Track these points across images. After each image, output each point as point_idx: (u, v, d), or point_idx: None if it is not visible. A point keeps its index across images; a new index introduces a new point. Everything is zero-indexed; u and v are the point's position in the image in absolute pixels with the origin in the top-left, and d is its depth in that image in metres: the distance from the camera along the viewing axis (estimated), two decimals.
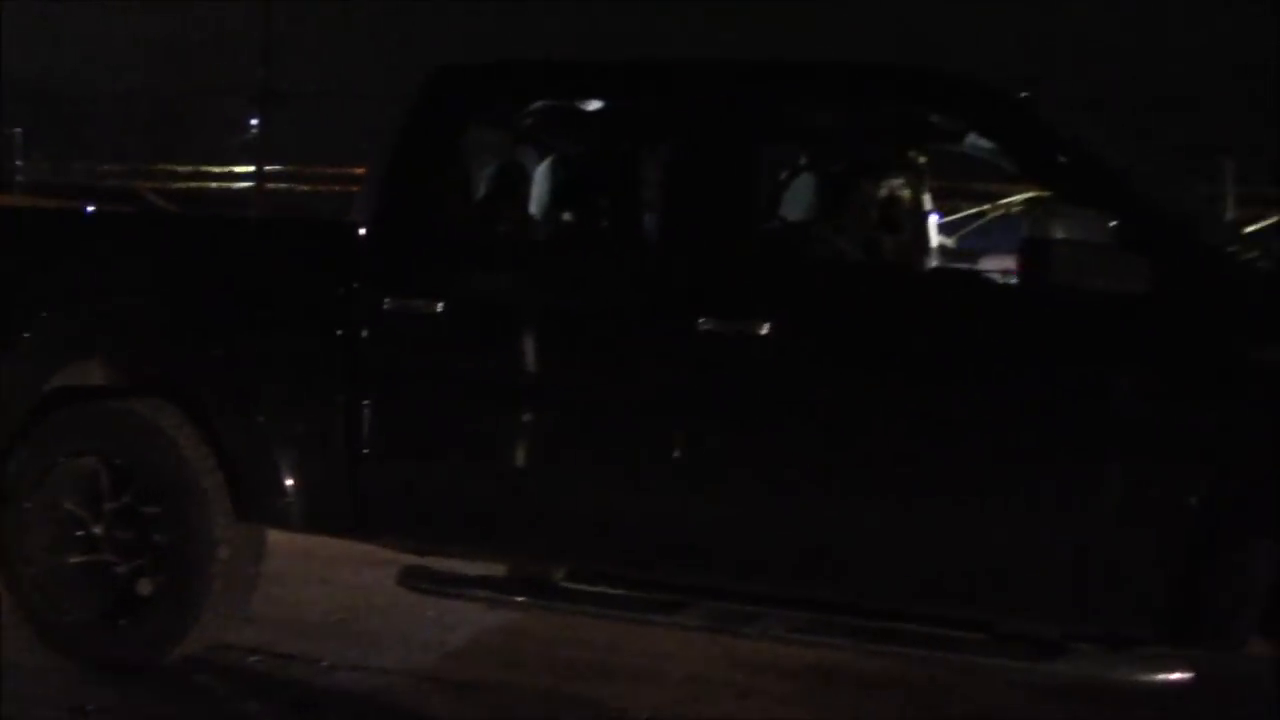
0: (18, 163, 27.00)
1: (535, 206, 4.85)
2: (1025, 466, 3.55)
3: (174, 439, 4.18)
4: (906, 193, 4.86)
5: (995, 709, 4.26)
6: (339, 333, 4.05)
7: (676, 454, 3.78)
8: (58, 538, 4.30)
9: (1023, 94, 3.91)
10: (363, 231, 4.10)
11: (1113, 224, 3.45)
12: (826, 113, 4.60)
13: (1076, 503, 3.50)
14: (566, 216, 4.80)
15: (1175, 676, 3.45)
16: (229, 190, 30.13)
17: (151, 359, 4.36)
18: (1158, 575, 3.42)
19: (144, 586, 4.27)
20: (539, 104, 4.60)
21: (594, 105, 4.48)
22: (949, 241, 6.22)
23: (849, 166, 4.63)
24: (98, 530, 4.28)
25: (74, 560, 4.30)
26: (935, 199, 5.38)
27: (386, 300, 4.02)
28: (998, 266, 4.36)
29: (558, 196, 4.84)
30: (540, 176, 4.92)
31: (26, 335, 4.41)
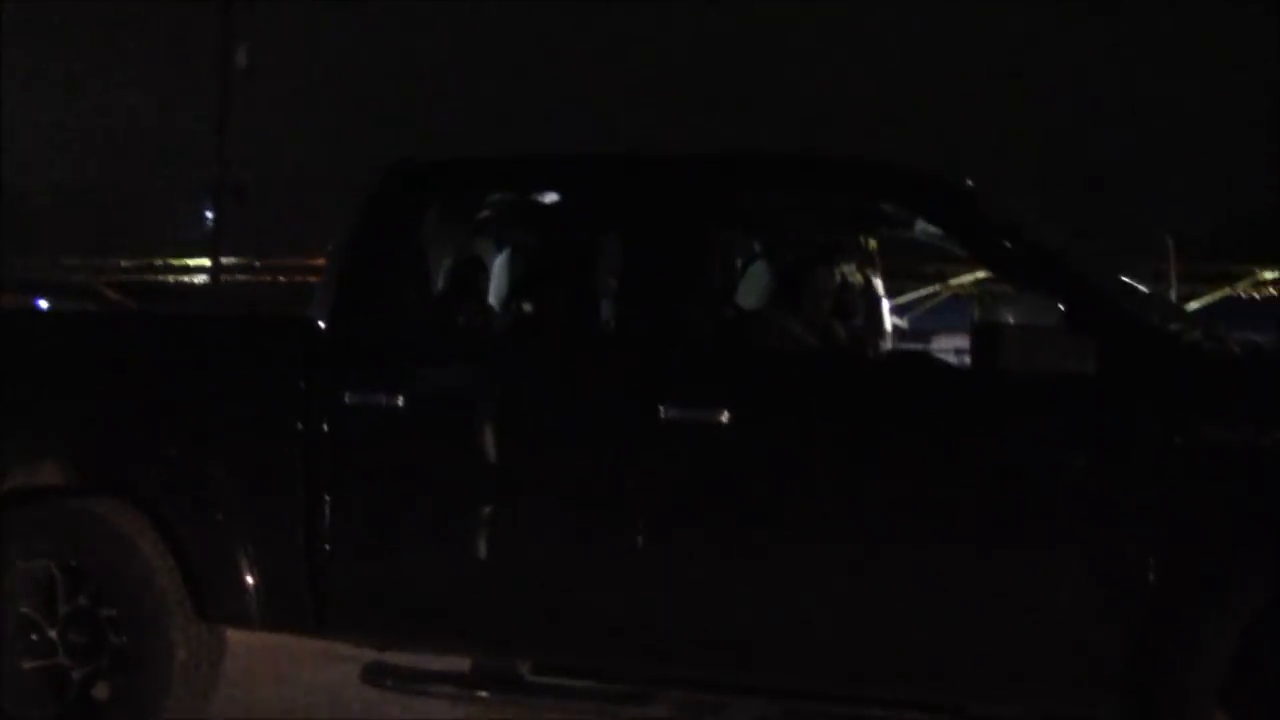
0: None
1: (494, 298, 4.89)
2: (986, 548, 3.58)
3: (131, 539, 4.12)
4: (859, 278, 4.96)
5: None
6: (298, 428, 4.04)
7: (640, 542, 3.78)
8: (12, 641, 4.22)
9: (968, 181, 4.01)
10: (321, 325, 4.11)
11: (1060, 308, 3.53)
12: (779, 202, 4.69)
13: (1037, 582, 3.53)
14: (526, 308, 4.84)
15: None
16: (186, 283, 30.04)
17: (106, 458, 4.32)
18: (1119, 654, 3.44)
19: (101, 690, 4.19)
20: (495, 197, 4.66)
21: (549, 197, 4.55)
22: (902, 323, 6.32)
23: (802, 254, 4.71)
24: (53, 634, 4.21)
25: (28, 665, 4.22)
26: (887, 280, 5.48)
27: (346, 395, 4.02)
28: (949, 346, 4.44)
29: (516, 288, 4.89)
30: (498, 268, 4.97)
31: None
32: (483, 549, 4.00)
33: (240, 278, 28.92)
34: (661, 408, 3.75)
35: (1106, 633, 3.45)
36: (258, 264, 28.84)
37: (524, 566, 3.93)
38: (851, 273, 4.83)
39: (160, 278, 30.50)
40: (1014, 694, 3.61)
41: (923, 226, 4.49)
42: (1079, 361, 3.48)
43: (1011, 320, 3.48)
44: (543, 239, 5.12)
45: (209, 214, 26.62)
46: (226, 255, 27.36)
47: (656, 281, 3.96)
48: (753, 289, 4.83)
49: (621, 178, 4.24)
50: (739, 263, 5.04)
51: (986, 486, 3.58)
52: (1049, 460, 3.56)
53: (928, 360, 4.37)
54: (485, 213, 4.85)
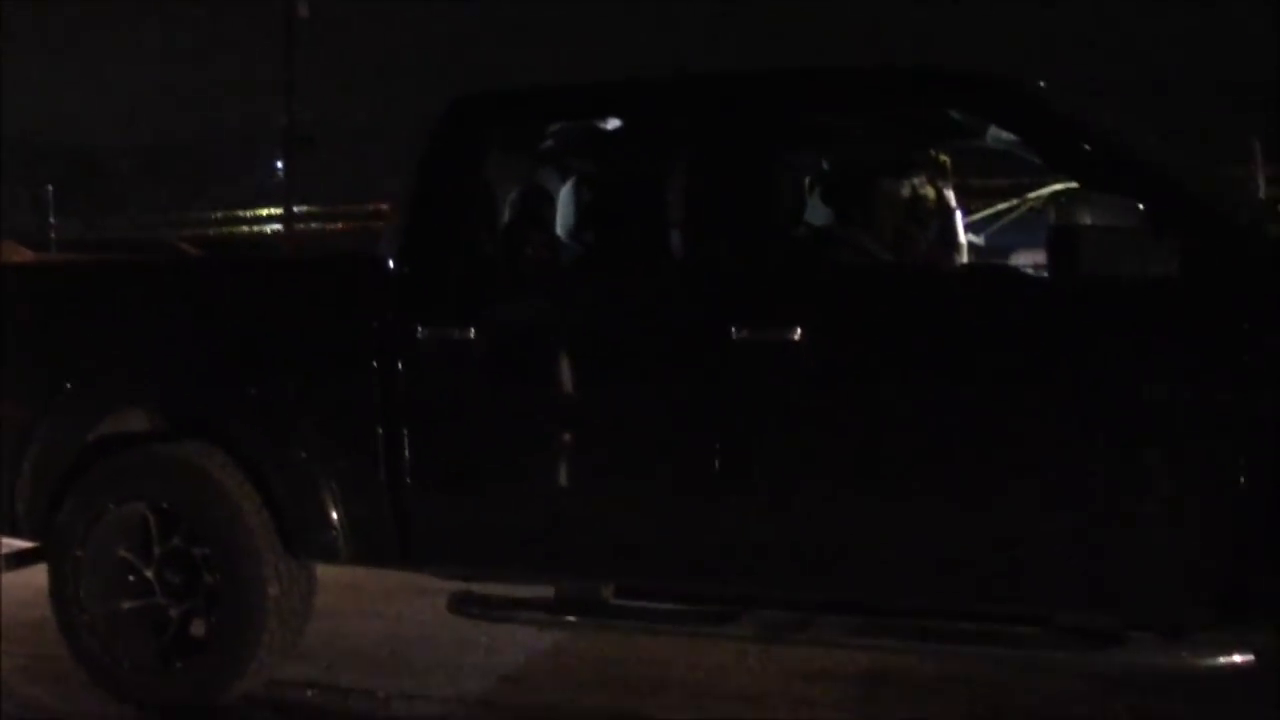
0: (51, 220, 27.39)
1: (561, 228, 4.87)
2: (1073, 458, 3.52)
3: (218, 480, 4.22)
4: (930, 191, 4.85)
5: (1057, 702, 4.22)
6: (374, 365, 4.08)
7: (717, 465, 3.78)
8: (110, 584, 4.36)
9: (1040, 84, 3.89)
10: (391, 264, 4.13)
11: (1141, 208, 3.43)
12: (845, 117, 4.59)
13: (1126, 491, 3.47)
14: (593, 236, 4.82)
15: (1235, 660, 3.41)
16: (259, 233, 30.45)
17: (191, 403, 4.41)
18: (1211, 559, 3.39)
19: (198, 628, 4.32)
20: (557, 126, 4.63)
21: (612, 124, 4.50)
22: (978, 239, 6.20)
23: (870, 168, 4.62)
24: (149, 574, 4.33)
25: (127, 606, 4.35)
26: (964, 196, 5.36)
27: (419, 330, 4.05)
28: (1029, 261, 4.33)
29: (583, 217, 4.86)
30: (564, 198, 4.95)
31: (69, 386, 4.47)
32: (560, 477, 4.02)
33: (314, 225, 29.24)
34: (733, 329, 3.72)
35: (1197, 539, 3.39)
36: (331, 210, 29.11)
37: (603, 492, 3.95)
38: (922, 185, 4.72)
39: (235, 229, 30.95)
40: (1103, 603, 3.56)
41: (995, 134, 4.37)
42: (1163, 263, 3.38)
43: (1090, 222, 3.39)
44: (607, 166, 5.08)
45: (279, 164, 26.87)
46: (298, 204, 27.64)
47: (723, 203, 3.92)
48: (822, 206, 4.76)
49: (683, 99, 4.19)
50: (808, 180, 4.97)
51: (1068, 395, 3.51)
52: (1133, 367, 3.47)
53: (1003, 270, 4.27)
54: (548, 143, 4.82)
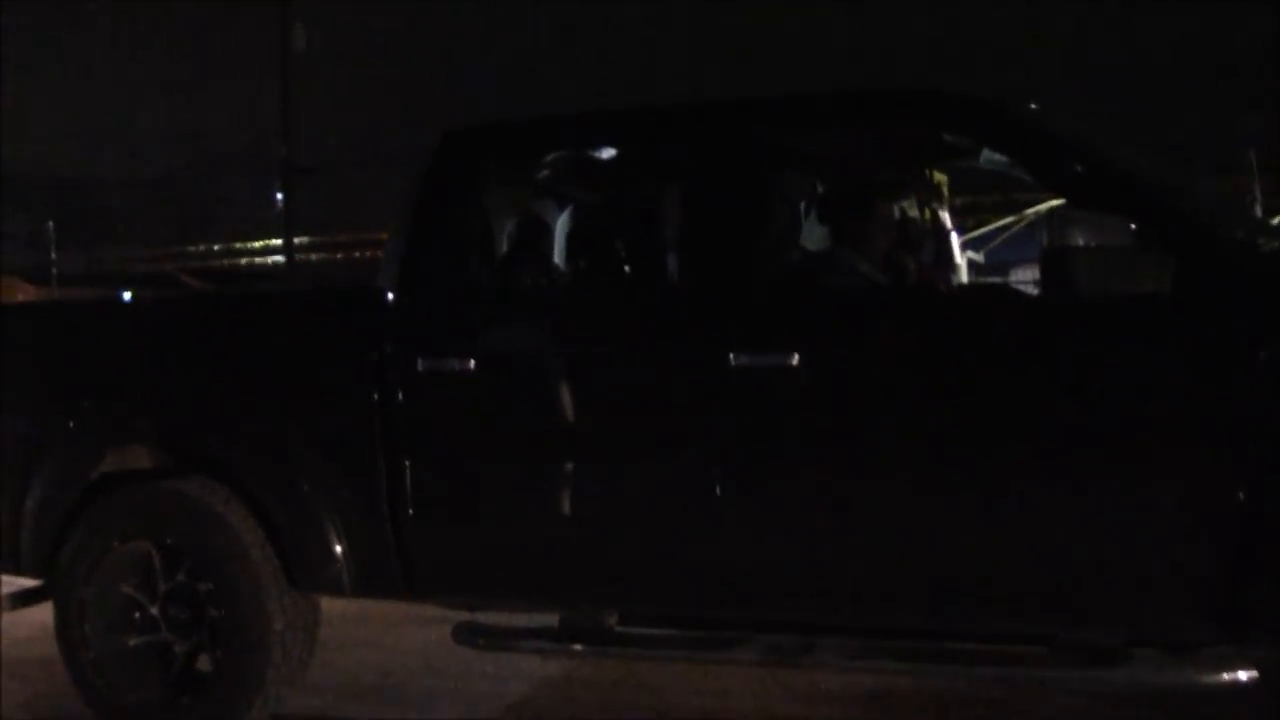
0: (52, 255, 27.46)
1: (558, 257, 4.90)
2: (1072, 476, 3.52)
3: (222, 515, 4.23)
4: (925, 212, 4.88)
5: None
6: (375, 397, 4.09)
7: (718, 491, 3.79)
8: (115, 621, 4.37)
9: (1031, 105, 3.92)
10: (390, 295, 4.15)
11: (1132, 227, 3.45)
12: (839, 141, 4.63)
13: (1126, 508, 3.48)
14: (590, 265, 4.85)
15: (1240, 676, 3.41)
16: (260, 265, 30.49)
17: (193, 438, 4.42)
18: (1212, 574, 3.38)
19: (203, 663, 4.32)
20: (552, 156, 4.65)
21: (607, 153, 4.53)
22: (976, 256, 6.21)
23: (865, 191, 4.65)
24: (154, 611, 4.34)
25: (133, 642, 4.36)
26: (962, 214, 5.39)
27: (419, 361, 4.07)
28: (1027, 277, 4.35)
29: (580, 245, 4.89)
30: (560, 227, 4.98)
31: (71, 424, 4.49)
32: (562, 505, 4.03)
33: (314, 256, 29.28)
34: (731, 355, 3.74)
35: (1197, 554, 3.39)
36: (331, 241, 29.19)
37: (605, 520, 3.96)
38: (913, 207, 4.75)
39: (235, 261, 31.00)
40: (1105, 620, 3.56)
41: (988, 155, 4.40)
42: (1156, 280, 3.40)
43: (1082, 242, 3.40)
44: (603, 194, 5.11)
45: (279, 196, 26.94)
46: (299, 235, 27.68)
47: (719, 229, 3.94)
48: (816, 230, 4.78)
49: (676, 127, 4.21)
50: (803, 204, 5.00)
51: (1064, 413, 3.52)
52: (1130, 384, 3.48)
53: (997, 290, 4.29)
54: (543, 173, 4.85)
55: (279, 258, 27.90)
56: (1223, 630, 3.41)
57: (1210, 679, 3.44)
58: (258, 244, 31.04)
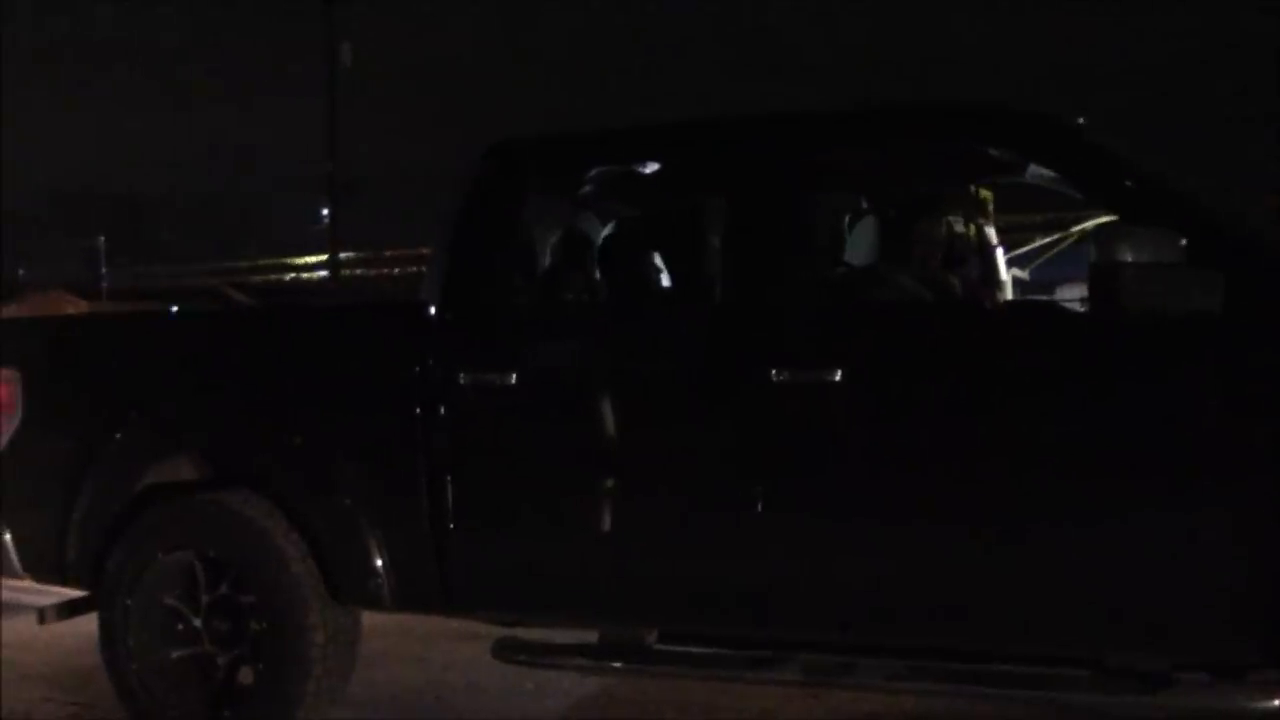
0: (102, 270, 27.86)
1: (601, 272, 4.89)
2: (1120, 497, 3.47)
3: (264, 528, 4.24)
4: (970, 228, 4.83)
5: None
6: (416, 411, 4.10)
7: (760, 507, 3.76)
8: (158, 633, 4.39)
9: (1079, 120, 3.88)
10: (432, 310, 4.16)
11: (1183, 243, 3.40)
12: (884, 155, 4.59)
13: (1174, 529, 3.42)
14: (633, 279, 4.84)
15: None
16: (306, 280, 30.78)
17: (237, 451, 4.45)
18: (1260, 598, 3.32)
19: (245, 676, 4.33)
20: (595, 171, 4.66)
21: (651, 168, 4.53)
22: (1022, 273, 6.15)
23: (909, 206, 4.61)
24: (197, 623, 4.36)
25: (176, 654, 4.38)
26: (1008, 231, 5.34)
27: (461, 375, 4.07)
28: (1074, 295, 4.29)
29: (623, 260, 4.88)
30: (604, 242, 4.97)
31: (118, 436, 4.53)
32: (603, 521, 4.01)
33: (359, 271, 29.54)
34: (773, 371, 3.71)
35: (1246, 578, 3.33)
36: (376, 257, 29.43)
37: (645, 536, 3.94)
38: (959, 223, 4.71)
39: (281, 277, 31.31)
40: (1153, 644, 3.50)
41: (1035, 170, 4.36)
42: (1206, 298, 3.35)
43: (1131, 259, 3.36)
44: (646, 209, 5.10)
45: (324, 211, 27.20)
46: (344, 250, 27.93)
47: (762, 244, 3.92)
48: (861, 245, 4.75)
49: (720, 141, 4.20)
50: (846, 220, 4.97)
51: (1110, 432, 3.47)
52: (1177, 403, 3.43)
53: (1043, 307, 4.23)
54: (587, 187, 4.85)
55: (324, 273, 28.14)
56: (1269, 654, 3.35)
57: (1257, 704, 3.38)
58: (304, 260, 31.35)
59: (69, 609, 4.70)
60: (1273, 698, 3.35)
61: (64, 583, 4.66)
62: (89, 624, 4.57)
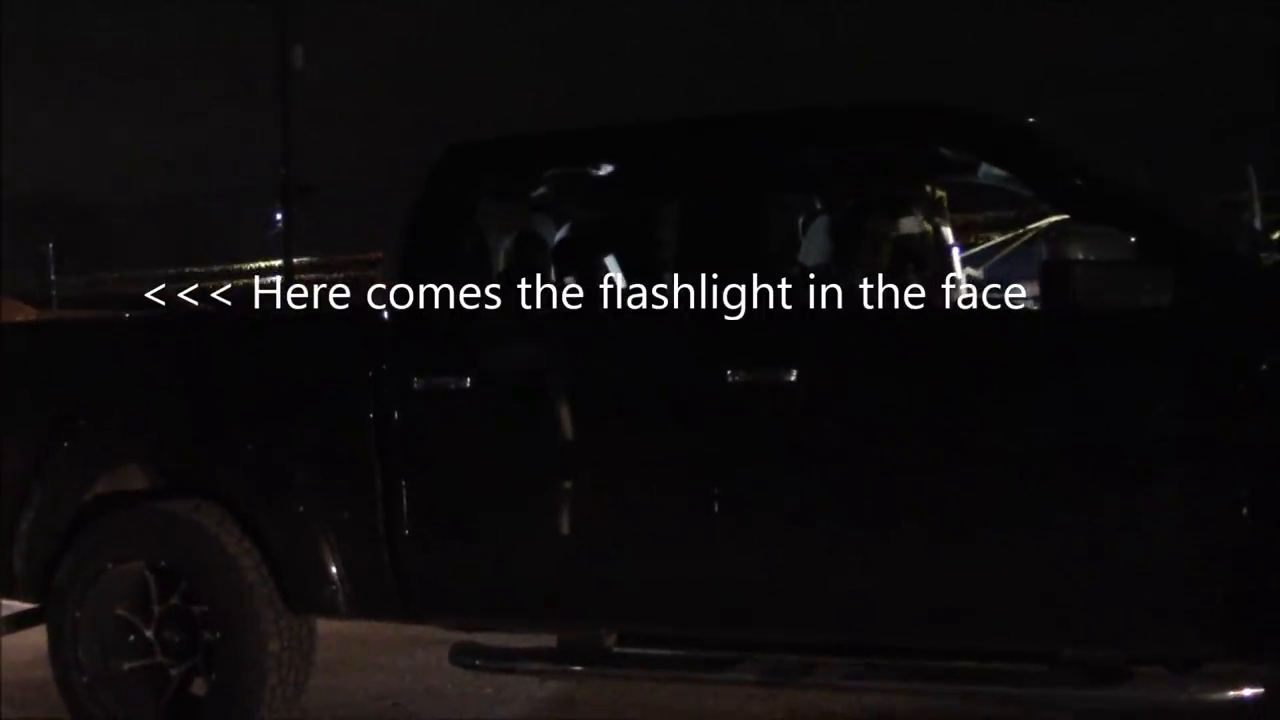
0: (52, 277, 27.50)
1: (555, 274, 4.87)
2: (1075, 493, 3.50)
3: (216, 537, 4.19)
4: (924, 227, 4.85)
5: None
6: (370, 416, 4.06)
7: (716, 508, 3.75)
8: (109, 644, 4.33)
9: (1029, 119, 3.90)
10: (386, 314, 4.13)
11: (1132, 240, 3.43)
12: (836, 156, 4.61)
13: (1128, 524, 3.45)
14: (587, 282, 4.82)
15: (1244, 693, 3.38)
16: (259, 285, 30.52)
17: (187, 459, 4.39)
18: (1217, 589, 3.35)
19: (199, 687, 4.28)
20: (549, 173, 4.64)
21: (604, 169, 4.51)
22: (976, 272, 6.18)
23: (862, 207, 4.63)
24: (149, 634, 4.30)
25: (127, 666, 4.32)
26: (963, 230, 5.36)
27: (415, 379, 4.04)
28: (1029, 293, 4.32)
29: (577, 262, 4.86)
30: (558, 244, 4.95)
31: (66, 445, 4.46)
32: (560, 524, 3.99)
33: (313, 276, 29.32)
34: (728, 372, 3.71)
35: (1200, 570, 3.36)
36: (330, 261, 29.22)
37: (602, 539, 3.92)
38: (914, 223, 4.72)
39: (235, 282, 31.04)
40: (1109, 638, 3.53)
41: (986, 169, 4.39)
42: (1155, 294, 3.38)
43: (1081, 257, 3.38)
44: (599, 210, 5.09)
45: (278, 216, 26.96)
46: (299, 256, 27.70)
47: (716, 245, 3.91)
48: (815, 246, 4.76)
49: (673, 143, 4.20)
50: (801, 220, 4.98)
51: (1065, 428, 3.49)
52: (1130, 397, 3.46)
53: (997, 305, 4.26)
54: (541, 190, 4.84)
55: (278, 278, 27.92)
56: (1228, 647, 3.38)
57: (1213, 696, 3.41)
58: (259, 264, 31.08)
59: (19, 621, 4.62)
60: (1229, 689, 3.38)
61: (12, 595, 4.59)
62: (40, 636, 4.50)
